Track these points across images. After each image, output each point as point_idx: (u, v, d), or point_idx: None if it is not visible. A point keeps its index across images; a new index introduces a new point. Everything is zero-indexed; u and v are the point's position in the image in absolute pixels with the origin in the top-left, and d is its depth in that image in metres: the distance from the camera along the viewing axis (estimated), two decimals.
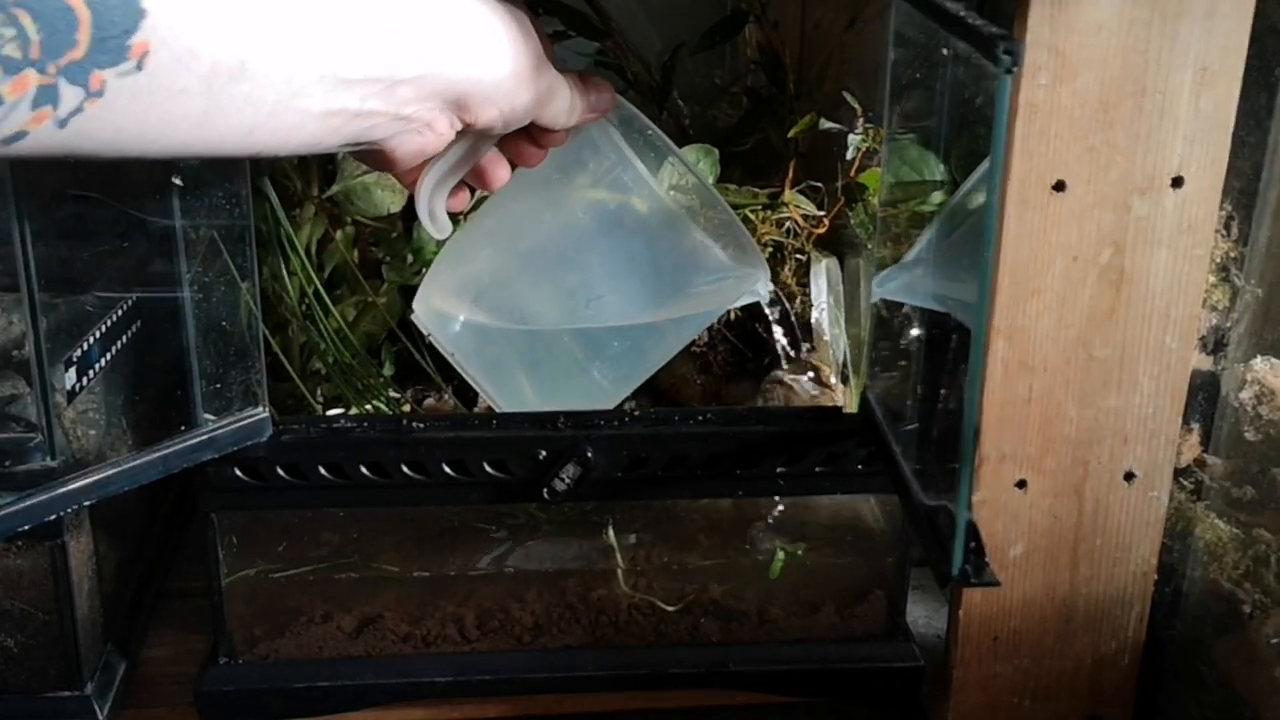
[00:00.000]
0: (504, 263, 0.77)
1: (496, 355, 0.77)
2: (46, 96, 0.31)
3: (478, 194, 0.66)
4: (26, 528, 0.61)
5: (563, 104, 0.53)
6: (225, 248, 0.67)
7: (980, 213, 0.64)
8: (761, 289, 0.79)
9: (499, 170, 0.57)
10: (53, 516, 0.61)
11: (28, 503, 0.59)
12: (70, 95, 0.32)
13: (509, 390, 0.77)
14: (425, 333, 0.79)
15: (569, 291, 0.75)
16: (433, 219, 0.62)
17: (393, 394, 0.83)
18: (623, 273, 0.75)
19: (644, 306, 0.76)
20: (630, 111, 0.74)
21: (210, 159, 0.42)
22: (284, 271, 0.78)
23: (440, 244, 0.79)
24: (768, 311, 0.83)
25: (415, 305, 0.78)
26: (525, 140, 0.58)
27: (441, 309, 0.77)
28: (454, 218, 0.63)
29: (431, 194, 0.60)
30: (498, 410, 0.77)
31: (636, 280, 0.76)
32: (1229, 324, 0.67)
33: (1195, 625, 0.69)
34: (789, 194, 0.87)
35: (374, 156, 0.48)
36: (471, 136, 0.55)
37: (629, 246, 0.75)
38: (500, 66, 0.47)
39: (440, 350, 0.78)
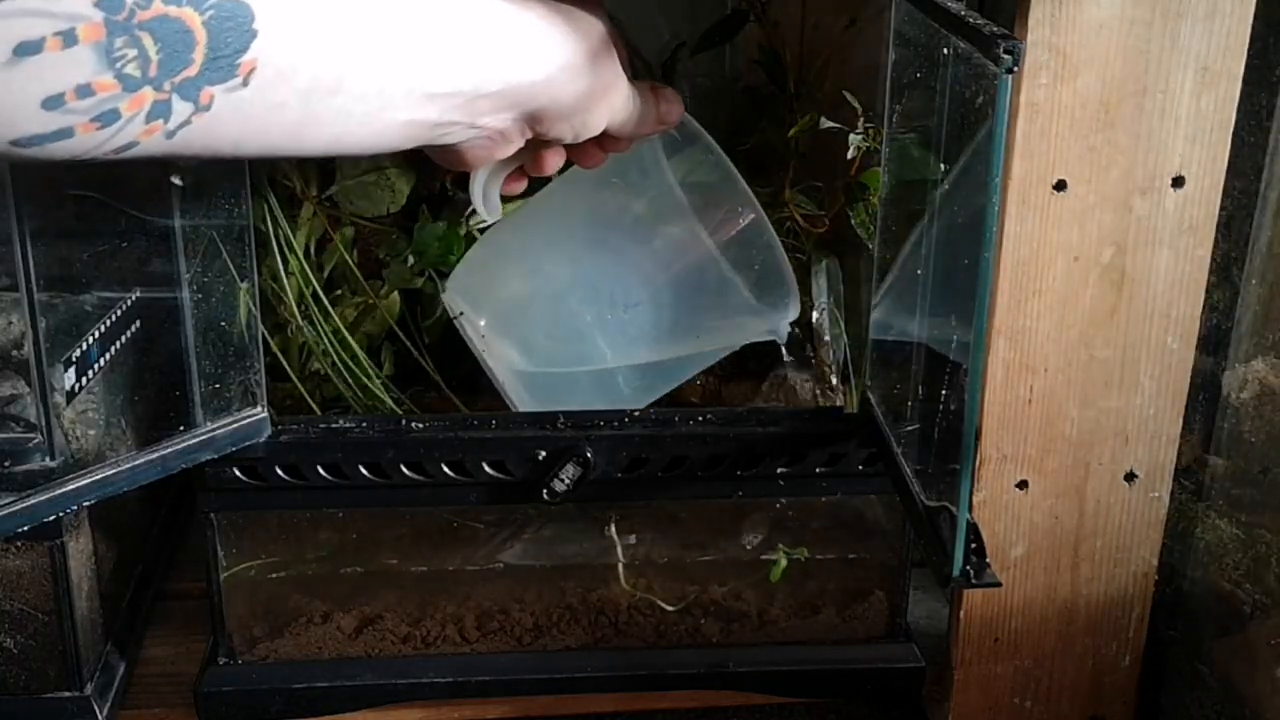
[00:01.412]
0: (535, 263, 0.77)
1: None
2: (159, 111, 0.33)
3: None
4: (26, 528, 0.61)
5: (632, 115, 0.54)
6: (225, 248, 0.67)
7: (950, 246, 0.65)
8: (781, 329, 0.80)
9: (553, 159, 0.58)
10: (52, 517, 0.61)
11: (27, 503, 0.59)
12: (181, 109, 0.34)
13: (530, 385, 0.77)
14: (452, 314, 0.79)
15: (606, 296, 0.75)
16: (485, 201, 0.62)
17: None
18: (643, 301, 0.76)
19: (658, 340, 0.76)
20: (695, 129, 0.74)
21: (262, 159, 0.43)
22: (283, 272, 0.78)
23: (464, 232, 0.79)
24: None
25: (449, 284, 0.78)
26: (588, 140, 0.58)
27: (475, 292, 0.77)
28: (505, 200, 0.63)
29: (487, 177, 0.60)
30: (515, 407, 0.77)
31: (654, 309, 0.76)
32: (1229, 324, 0.67)
33: (1196, 626, 0.69)
34: (789, 194, 0.87)
35: (443, 154, 0.50)
36: None
37: (654, 272, 0.75)
38: (577, 84, 0.48)
39: (464, 334, 0.77)
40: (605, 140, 0.57)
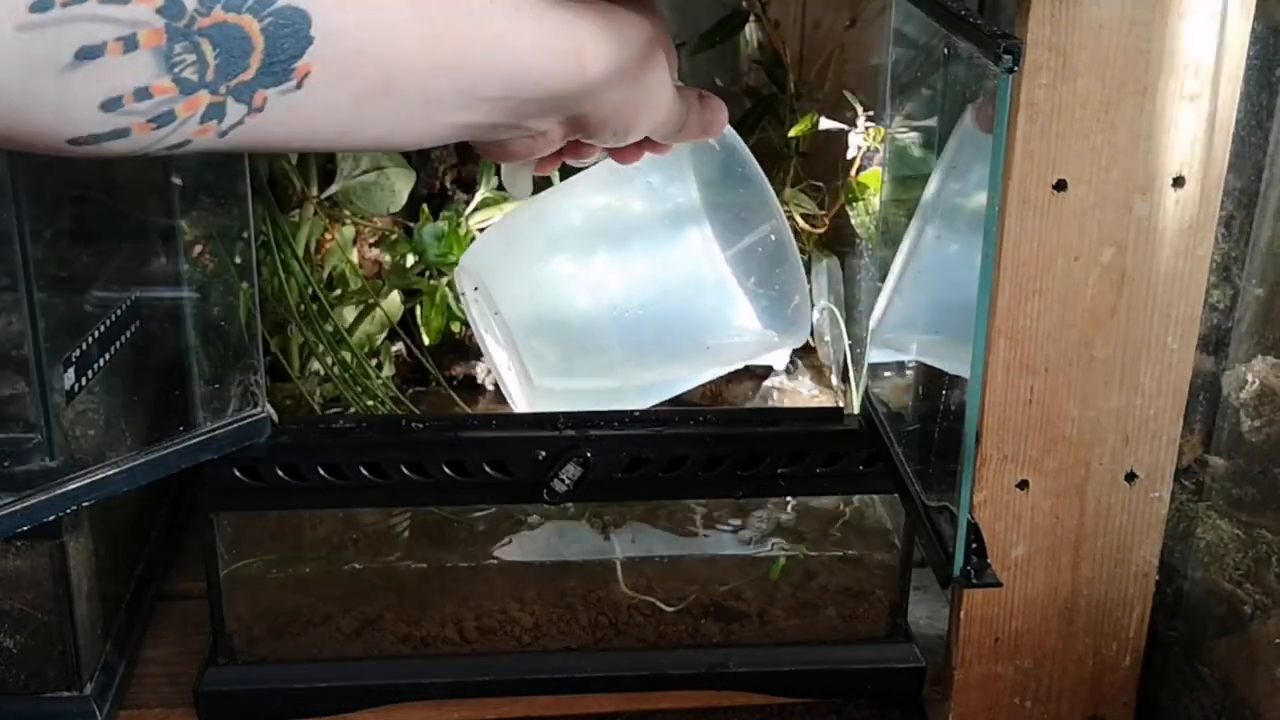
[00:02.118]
0: (551, 254, 0.77)
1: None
2: (214, 113, 0.34)
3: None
4: (26, 528, 0.61)
5: (676, 122, 0.54)
6: (225, 248, 0.67)
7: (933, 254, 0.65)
8: (778, 363, 0.80)
9: (592, 152, 0.57)
10: (52, 517, 0.61)
11: (27, 503, 0.59)
12: (235, 111, 0.34)
13: (539, 362, 0.76)
14: (460, 292, 0.79)
15: (619, 293, 0.75)
16: (515, 182, 0.61)
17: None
18: (654, 303, 0.76)
19: (662, 353, 0.76)
20: (733, 140, 0.74)
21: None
22: (282, 272, 0.78)
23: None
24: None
25: (462, 261, 0.78)
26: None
27: (486, 273, 0.77)
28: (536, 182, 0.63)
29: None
30: (528, 378, 0.76)
31: (660, 318, 0.76)
32: (1230, 324, 0.67)
33: (1197, 626, 0.69)
34: (789, 193, 0.87)
35: (485, 146, 0.50)
36: None
37: (666, 280, 0.75)
38: (623, 93, 0.48)
39: (468, 312, 0.77)
40: (645, 142, 0.57)
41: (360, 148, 0.43)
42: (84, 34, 0.30)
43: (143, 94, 0.32)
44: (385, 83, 0.38)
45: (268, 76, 0.34)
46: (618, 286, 0.75)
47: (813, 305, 0.86)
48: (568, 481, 0.69)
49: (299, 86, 0.35)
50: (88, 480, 0.61)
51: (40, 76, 0.30)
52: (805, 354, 0.90)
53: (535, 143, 0.49)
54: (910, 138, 0.70)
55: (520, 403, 0.79)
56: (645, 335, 0.76)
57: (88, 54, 0.31)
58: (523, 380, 0.77)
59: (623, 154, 0.58)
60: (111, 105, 0.32)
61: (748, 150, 0.74)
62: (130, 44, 0.31)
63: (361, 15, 0.36)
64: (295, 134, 0.38)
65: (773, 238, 0.75)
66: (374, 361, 0.84)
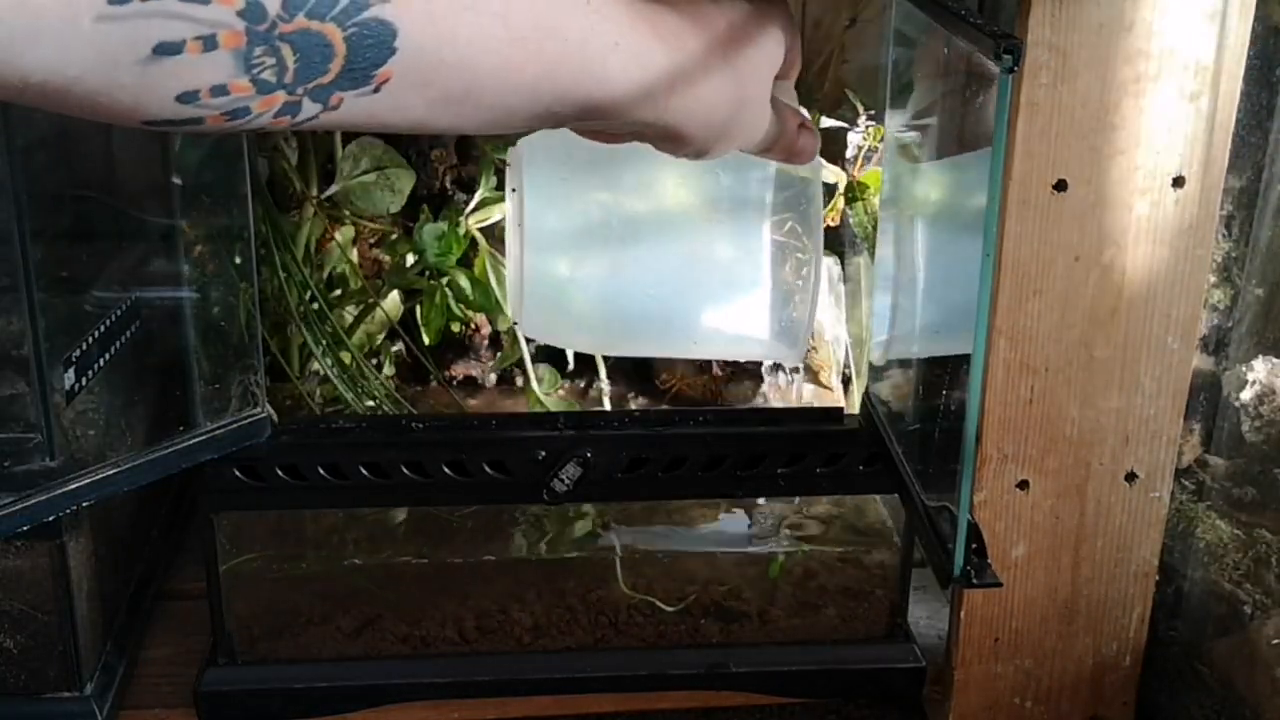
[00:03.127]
0: (599, 201, 0.75)
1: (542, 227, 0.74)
2: (288, 110, 0.34)
3: None
4: (26, 528, 0.61)
5: (766, 142, 0.52)
6: (225, 248, 0.67)
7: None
8: (789, 362, 0.79)
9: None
10: (52, 517, 0.61)
11: (28, 503, 0.59)
12: (309, 109, 0.35)
13: (533, 308, 0.75)
14: (507, 163, 0.76)
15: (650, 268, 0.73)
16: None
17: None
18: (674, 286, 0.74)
19: (643, 342, 0.75)
20: (813, 176, 0.72)
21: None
22: (282, 272, 0.78)
23: None
24: None
25: (523, 147, 0.74)
26: None
27: (537, 184, 0.74)
28: None
29: None
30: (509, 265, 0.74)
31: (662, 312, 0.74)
32: (1230, 324, 0.67)
33: (1196, 626, 0.69)
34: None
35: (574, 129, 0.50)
36: None
37: (691, 280, 0.74)
38: (710, 131, 0.47)
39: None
40: None
41: (427, 131, 0.43)
42: (163, 30, 0.30)
43: (219, 90, 0.32)
44: (464, 93, 0.38)
45: (347, 81, 0.34)
46: (644, 263, 0.73)
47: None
48: (568, 481, 0.68)
49: (377, 91, 0.35)
50: (88, 480, 0.61)
51: (117, 66, 0.31)
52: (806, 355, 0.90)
53: (615, 139, 0.49)
54: (910, 138, 0.70)
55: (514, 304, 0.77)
56: (641, 316, 0.74)
57: (166, 49, 0.31)
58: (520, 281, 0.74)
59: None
60: (188, 98, 0.32)
61: (820, 189, 0.73)
62: (210, 44, 0.31)
63: (451, 31, 0.36)
64: (365, 126, 0.38)
65: (810, 273, 0.74)
66: (374, 362, 0.84)
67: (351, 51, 0.34)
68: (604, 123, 0.45)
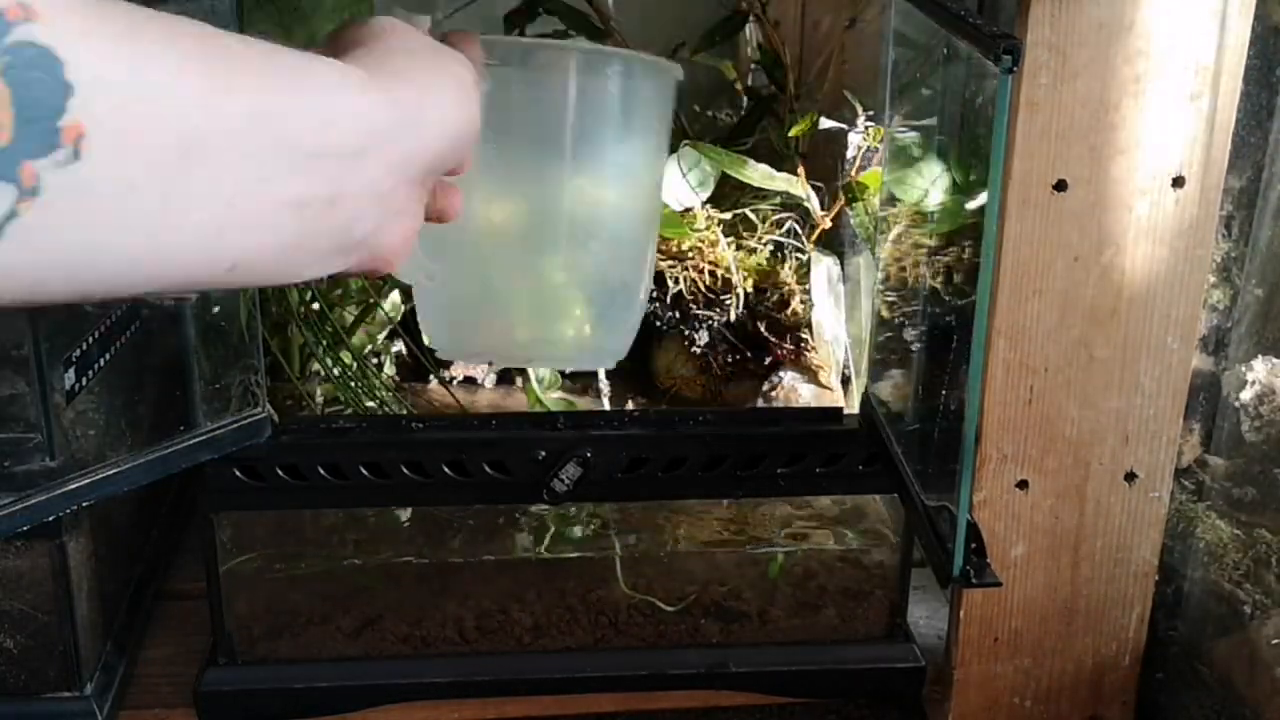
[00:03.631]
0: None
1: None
2: None
3: None
4: (26, 528, 0.60)
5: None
6: None
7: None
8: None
9: (454, 199, 0.47)
10: (52, 517, 0.61)
11: (28, 503, 0.59)
12: (2, 195, 0.27)
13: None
14: None
15: None
16: (429, 274, 0.53)
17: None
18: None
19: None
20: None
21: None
22: None
23: None
24: None
25: None
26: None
27: None
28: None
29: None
30: None
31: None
32: (1229, 324, 0.67)
33: (1196, 626, 0.69)
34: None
35: (366, 272, 0.42)
36: None
37: None
38: (462, 112, 0.42)
39: None
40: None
41: (193, 260, 0.33)
42: None
43: None
44: (188, 140, 0.30)
45: (29, 141, 0.27)
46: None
47: (812, 304, 0.86)
48: (567, 481, 0.69)
49: (76, 155, 0.28)
50: (88, 480, 0.61)
51: None
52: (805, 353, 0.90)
53: (405, 223, 0.41)
54: (910, 137, 0.70)
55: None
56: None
57: None
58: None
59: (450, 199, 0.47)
60: None
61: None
62: None
63: (130, 54, 0.29)
64: (95, 234, 0.29)
65: None
66: (374, 362, 0.84)
67: (16, 92, 0.26)
68: (376, 181, 0.38)
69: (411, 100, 0.39)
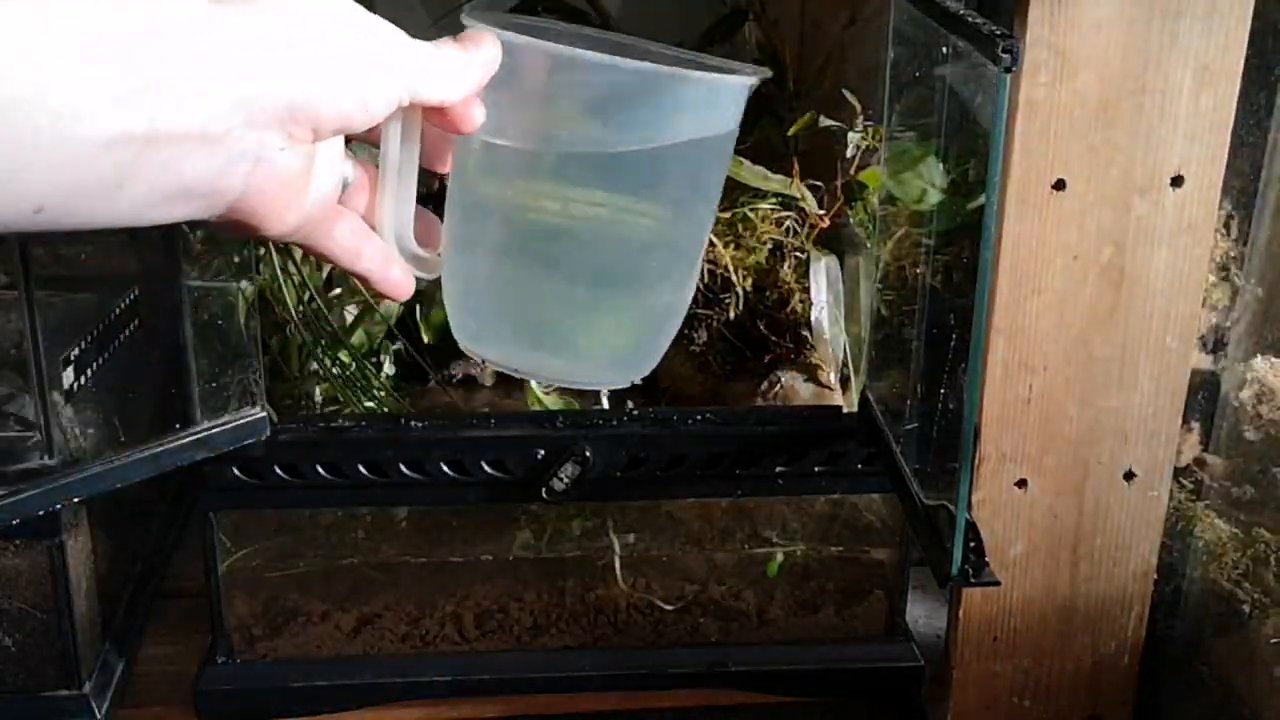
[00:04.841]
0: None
1: None
2: None
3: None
4: (17, 521, 0.60)
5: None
6: (225, 247, 0.67)
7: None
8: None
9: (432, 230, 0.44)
10: (43, 511, 0.61)
11: (20, 496, 0.59)
12: None
13: None
14: None
15: None
16: (417, 260, 0.49)
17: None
18: None
19: None
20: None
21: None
22: (281, 272, 0.78)
23: None
24: None
25: None
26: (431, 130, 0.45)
27: None
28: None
29: (396, 221, 0.46)
30: None
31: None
32: (1229, 323, 0.67)
33: (1195, 625, 0.69)
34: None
35: (232, 224, 0.37)
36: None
37: None
38: (351, 79, 0.38)
39: None
40: (434, 115, 0.44)
41: (3, 211, 0.31)
42: None
43: None
44: None
45: None
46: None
47: (811, 304, 0.86)
48: (566, 480, 0.69)
49: None
50: (85, 477, 0.61)
51: None
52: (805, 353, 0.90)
53: (266, 170, 0.37)
54: (909, 137, 0.70)
55: None
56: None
57: None
58: None
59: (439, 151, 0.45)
60: None
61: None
62: None
63: None
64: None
65: None
66: (374, 361, 0.84)
67: None
68: (204, 132, 0.34)
69: (258, 29, 0.35)
